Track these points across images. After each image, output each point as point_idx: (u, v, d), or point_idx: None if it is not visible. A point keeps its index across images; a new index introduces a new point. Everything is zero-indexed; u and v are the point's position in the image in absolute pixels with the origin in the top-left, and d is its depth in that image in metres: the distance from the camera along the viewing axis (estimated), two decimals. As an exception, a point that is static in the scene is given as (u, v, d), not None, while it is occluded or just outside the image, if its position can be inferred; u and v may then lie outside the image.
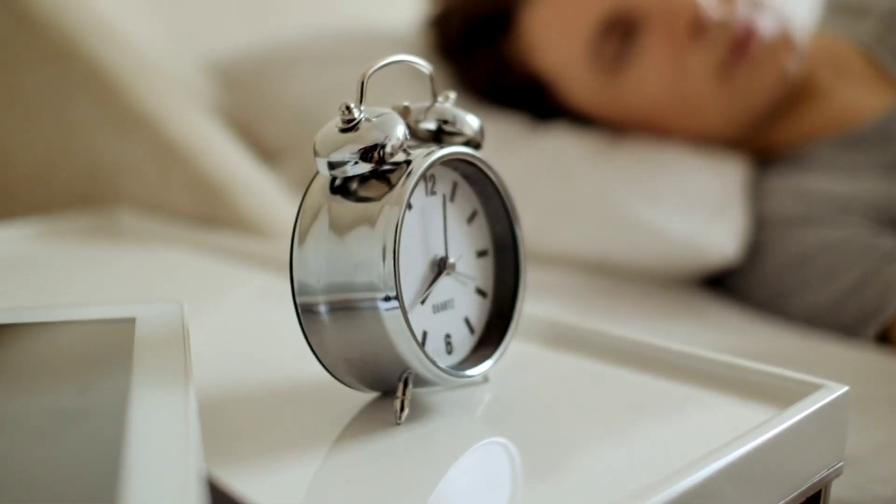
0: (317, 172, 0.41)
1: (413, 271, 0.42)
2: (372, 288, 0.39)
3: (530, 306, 0.50)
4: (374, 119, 0.40)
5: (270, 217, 0.83)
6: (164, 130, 0.85)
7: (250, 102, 1.08)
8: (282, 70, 1.07)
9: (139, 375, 0.36)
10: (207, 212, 0.83)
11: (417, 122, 0.44)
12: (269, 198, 0.86)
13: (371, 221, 0.39)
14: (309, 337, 0.41)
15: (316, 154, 0.40)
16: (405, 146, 0.40)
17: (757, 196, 0.95)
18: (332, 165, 0.39)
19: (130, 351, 0.39)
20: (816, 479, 0.43)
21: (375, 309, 0.39)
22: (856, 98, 0.97)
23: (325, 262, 0.40)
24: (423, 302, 0.42)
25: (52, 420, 0.33)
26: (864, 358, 0.75)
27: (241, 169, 0.87)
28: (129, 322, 0.42)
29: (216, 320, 0.60)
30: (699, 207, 0.90)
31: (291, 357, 0.48)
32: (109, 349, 0.40)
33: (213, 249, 0.75)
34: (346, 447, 0.40)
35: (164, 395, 0.35)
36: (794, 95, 0.98)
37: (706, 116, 0.97)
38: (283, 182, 0.94)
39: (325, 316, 0.40)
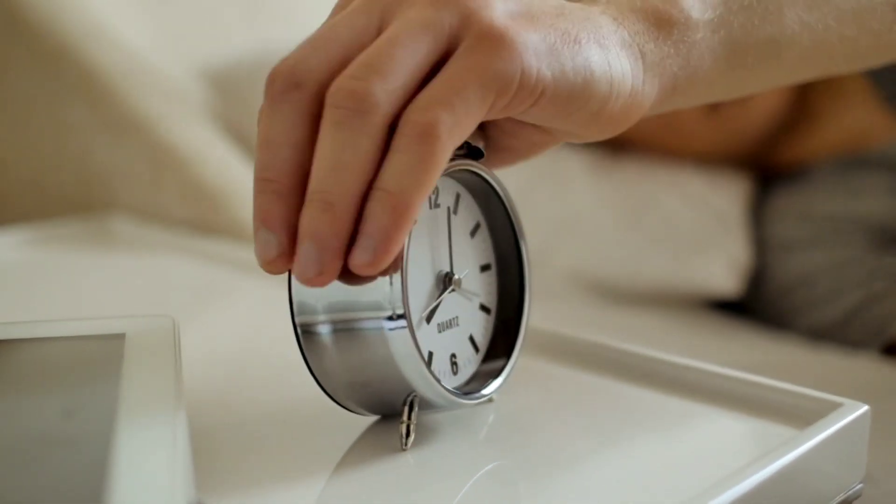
0: None
1: (418, 289, 0.40)
2: (377, 307, 0.37)
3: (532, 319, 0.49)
4: None
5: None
6: (159, 135, 0.83)
7: (244, 108, 1.06)
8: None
9: (127, 398, 0.35)
10: (202, 218, 0.81)
11: None
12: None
13: None
14: (309, 360, 0.39)
15: None
16: None
17: (761, 218, 0.93)
18: None
19: (119, 371, 0.37)
20: (835, 501, 0.42)
21: (381, 329, 0.37)
22: (856, 123, 0.95)
23: None
24: (428, 321, 0.40)
25: (35, 445, 0.32)
26: (872, 372, 0.74)
27: (237, 174, 0.86)
28: (119, 338, 0.40)
29: (210, 333, 0.58)
30: (697, 241, 0.88)
31: (288, 374, 0.46)
32: (97, 368, 0.39)
33: (209, 257, 0.73)
34: (348, 475, 0.38)
35: (152, 420, 0.33)
36: (794, 116, 0.96)
37: (697, 142, 0.95)
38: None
39: (327, 337, 0.38)
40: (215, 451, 0.40)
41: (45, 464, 0.30)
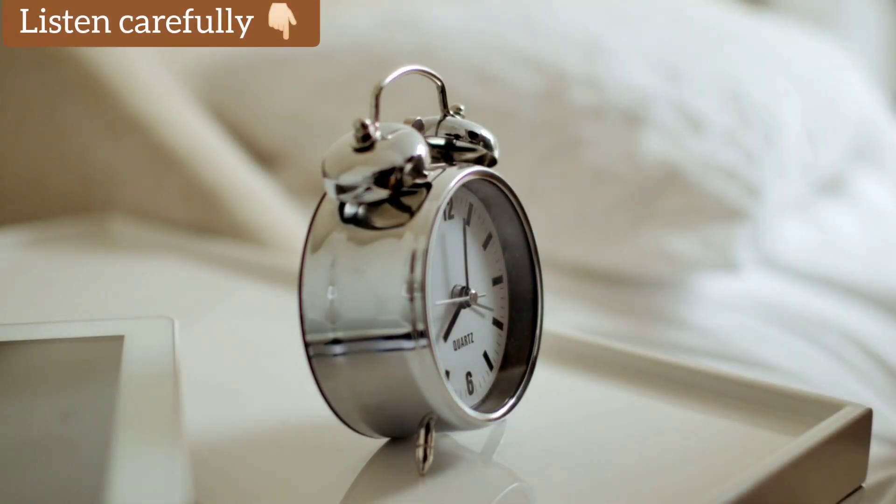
0: (324, 195, 0.38)
1: (435, 305, 0.38)
2: (396, 326, 0.35)
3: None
4: (390, 137, 0.36)
5: (269, 225, 0.81)
6: (159, 135, 0.83)
7: (240, 105, 1.06)
8: (269, 71, 1.05)
9: (125, 401, 0.34)
10: (203, 219, 0.81)
11: (427, 137, 0.40)
12: (268, 205, 0.84)
13: (393, 252, 0.35)
14: (320, 381, 0.37)
15: (325, 175, 0.36)
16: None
17: None
18: (342, 189, 0.36)
19: (117, 373, 0.37)
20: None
21: (400, 349, 0.35)
22: None
23: (340, 298, 0.36)
24: (445, 338, 0.39)
25: (33, 448, 0.32)
26: None
27: (237, 175, 0.85)
28: (118, 340, 0.40)
29: (210, 335, 0.58)
30: (708, 218, 0.87)
31: (289, 379, 0.46)
32: (96, 371, 0.38)
33: (209, 259, 0.73)
34: (364, 501, 0.37)
35: (151, 423, 0.33)
36: None
37: None
38: (279, 187, 0.92)
39: (340, 357, 0.36)
40: (214, 455, 0.39)
41: (43, 466, 0.30)
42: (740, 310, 0.87)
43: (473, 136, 0.40)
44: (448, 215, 0.40)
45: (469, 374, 0.41)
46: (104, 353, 0.39)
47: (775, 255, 0.96)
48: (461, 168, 0.38)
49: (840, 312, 0.87)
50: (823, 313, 0.87)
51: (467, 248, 0.40)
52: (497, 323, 0.43)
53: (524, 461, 0.40)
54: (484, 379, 0.42)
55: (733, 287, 0.89)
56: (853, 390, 0.72)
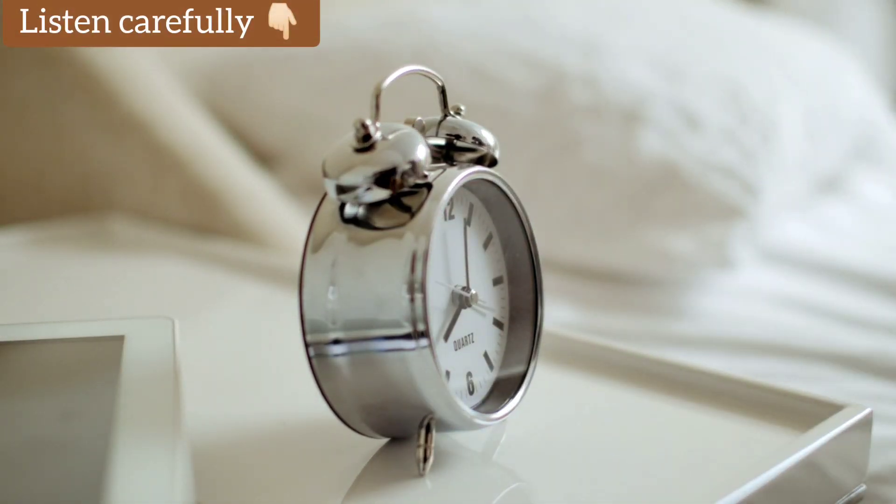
0: (324, 195, 0.38)
1: (434, 305, 0.38)
2: (397, 326, 0.35)
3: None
4: (390, 137, 0.36)
5: (269, 225, 0.81)
6: (158, 135, 0.83)
7: (240, 105, 1.06)
8: (268, 71, 1.05)
9: (126, 401, 0.34)
10: (202, 219, 0.81)
11: (427, 137, 0.40)
12: (268, 205, 0.84)
13: (393, 253, 0.36)
14: (321, 382, 0.37)
15: (325, 175, 0.36)
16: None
17: None
18: (343, 189, 0.36)
19: (118, 373, 0.37)
20: (838, 504, 0.42)
21: (401, 349, 0.35)
22: None
23: (340, 298, 0.36)
24: (445, 339, 0.39)
25: (33, 449, 0.32)
26: None
27: (237, 175, 0.85)
28: (118, 340, 0.40)
29: (210, 335, 0.58)
30: (707, 217, 0.87)
31: (290, 379, 0.46)
32: (96, 371, 0.38)
33: (209, 259, 0.73)
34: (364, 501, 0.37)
35: (151, 423, 0.33)
36: None
37: None
38: (279, 187, 0.92)
39: (341, 358, 0.36)
40: (214, 455, 0.39)
41: (43, 467, 0.30)
42: (738, 301, 0.87)
43: (474, 136, 0.40)
44: (448, 215, 0.40)
45: (469, 374, 0.41)
46: (104, 353, 0.39)
47: (773, 250, 0.96)
48: (461, 168, 0.38)
49: (838, 297, 0.87)
50: (822, 297, 0.87)
51: (468, 249, 0.40)
52: (497, 323, 0.43)
53: (524, 461, 0.40)
54: (484, 379, 0.42)
55: (732, 281, 0.89)
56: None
